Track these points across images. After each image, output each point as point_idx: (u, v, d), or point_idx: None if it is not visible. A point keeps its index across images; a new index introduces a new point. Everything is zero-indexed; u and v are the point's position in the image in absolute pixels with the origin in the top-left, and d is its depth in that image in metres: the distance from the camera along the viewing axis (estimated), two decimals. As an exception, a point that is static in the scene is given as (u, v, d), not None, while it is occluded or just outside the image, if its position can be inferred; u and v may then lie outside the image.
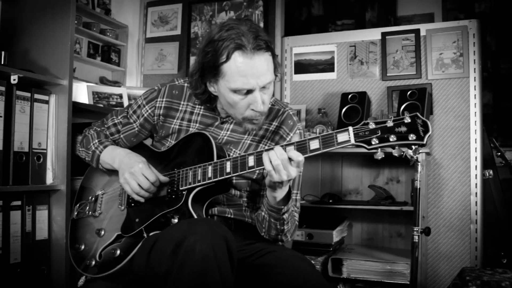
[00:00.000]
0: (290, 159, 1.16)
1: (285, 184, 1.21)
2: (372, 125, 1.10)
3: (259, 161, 1.19)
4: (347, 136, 1.11)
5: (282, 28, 2.98)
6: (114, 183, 1.48)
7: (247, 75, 1.25)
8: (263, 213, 1.33)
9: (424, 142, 1.05)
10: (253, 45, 1.24)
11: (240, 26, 1.26)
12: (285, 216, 1.30)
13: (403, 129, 1.07)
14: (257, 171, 1.37)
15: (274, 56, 1.32)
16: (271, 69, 1.30)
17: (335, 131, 1.13)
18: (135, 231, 1.30)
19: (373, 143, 1.09)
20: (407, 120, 1.07)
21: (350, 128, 1.11)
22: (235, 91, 1.28)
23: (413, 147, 1.08)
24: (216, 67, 1.27)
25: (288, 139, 1.42)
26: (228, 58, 1.24)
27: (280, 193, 1.24)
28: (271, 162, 1.16)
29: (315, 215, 2.67)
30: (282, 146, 1.17)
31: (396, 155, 1.10)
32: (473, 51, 2.52)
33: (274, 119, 1.46)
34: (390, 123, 1.08)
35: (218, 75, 1.28)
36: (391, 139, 1.08)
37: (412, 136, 1.06)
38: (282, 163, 1.15)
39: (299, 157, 1.14)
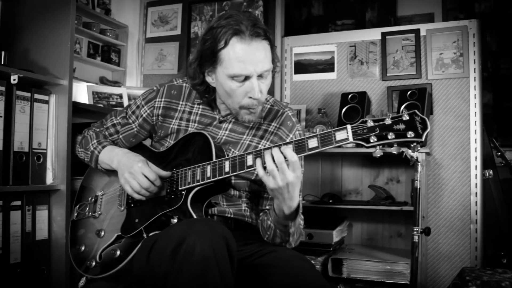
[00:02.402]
0: (285, 158, 1.14)
1: (285, 191, 1.18)
2: (370, 123, 1.09)
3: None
4: (345, 134, 1.11)
5: (282, 28, 2.98)
6: (114, 184, 1.48)
7: (244, 60, 1.25)
8: (269, 222, 1.33)
9: (423, 139, 1.05)
10: (251, 32, 1.25)
11: (239, 15, 1.27)
12: (292, 230, 1.30)
13: (401, 126, 1.07)
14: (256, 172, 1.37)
15: (272, 46, 1.33)
16: (269, 57, 1.30)
17: (333, 129, 1.12)
18: (135, 232, 1.30)
19: (371, 141, 1.09)
20: (406, 117, 1.07)
21: (348, 126, 1.11)
22: (233, 77, 1.27)
23: (412, 144, 1.08)
24: (214, 53, 1.28)
25: (288, 140, 1.42)
26: (226, 44, 1.25)
27: (283, 203, 1.21)
28: (265, 167, 1.16)
29: (315, 215, 2.67)
30: (280, 145, 1.17)
31: (394, 152, 1.10)
32: (473, 51, 2.52)
33: (273, 120, 1.45)
34: (388, 121, 1.08)
35: (216, 62, 1.29)
36: (389, 137, 1.07)
37: (410, 134, 1.06)
38: (280, 167, 1.14)
39: (293, 157, 1.13)
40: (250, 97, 1.30)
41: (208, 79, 1.36)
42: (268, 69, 1.30)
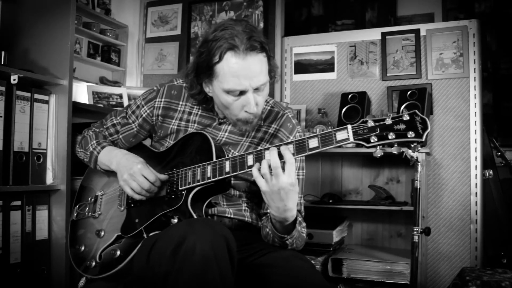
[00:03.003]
0: (280, 158, 1.14)
1: (277, 197, 1.16)
2: (370, 123, 1.09)
3: (258, 160, 1.19)
4: (345, 134, 1.10)
5: (282, 28, 2.97)
6: (114, 184, 1.48)
7: (239, 75, 1.24)
8: (267, 229, 1.33)
9: (423, 140, 1.05)
10: (246, 46, 1.23)
11: (235, 27, 1.25)
12: (289, 242, 1.29)
13: (402, 126, 1.07)
14: None
15: (269, 57, 1.31)
16: (264, 71, 1.29)
17: (334, 129, 1.12)
18: (135, 232, 1.30)
19: (372, 141, 1.09)
20: (406, 117, 1.07)
21: (349, 126, 1.11)
22: (228, 92, 1.27)
23: (412, 144, 1.08)
24: (210, 67, 1.27)
25: None
26: (221, 58, 1.24)
27: (277, 213, 1.20)
28: (259, 169, 1.15)
29: (315, 215, 2.66)
30: (281, 144, 1.17)
31: (395, 152, 1.10)
32: (473, 51, 2.52)
33: (273, 122, 1.45)
34: (388, 121, 1.08)
35: (212, 76, 1.28)
36: (390, 137, 1.07)
37: (411, 134, 1.06)
38: (274, 172, 1.13)
39: (290, 159, 1.13)
40: (246, 111, 1.30)
41: (206, 89, 1.36)
42: (264, 83, 1.29)
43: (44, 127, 2.01)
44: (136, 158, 1.39)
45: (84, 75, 3.01)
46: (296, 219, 1.26)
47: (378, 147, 1.10)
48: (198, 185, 1.28)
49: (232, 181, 1.39)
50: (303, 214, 1.43)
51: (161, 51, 3.27)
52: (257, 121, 1.37)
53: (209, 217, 1.37)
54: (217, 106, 1.41)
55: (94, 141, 1.50)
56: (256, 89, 1.28)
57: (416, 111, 1.07)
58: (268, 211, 1.34)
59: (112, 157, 1.43)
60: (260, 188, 1.17)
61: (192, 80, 1.36)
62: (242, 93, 1.27)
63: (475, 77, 2.51)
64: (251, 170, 1.21)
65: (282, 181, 1.13)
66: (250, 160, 1.21)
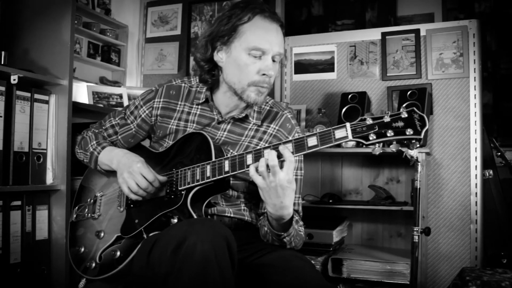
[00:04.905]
0: (279, 157, 1.14)
1: (273, 194, 1.17)
2: (369, 121, 1.10)
3: (257, 159, 1.19)
4: (344, 132, 1.11)
5: (282, 28, 2.97)
6: (113, 184, 1.48)
7: (265, 36, 1.32)
8: (265, 228, 1.33)
9: (421, 136, 1.05)
10: (272, 16, 1.34)
11: (257, 1, 1.37)
12: (286, 240, 1.30)
13: (400, 124, 1.07)
14: None
15: (283, 37, 1.40)
16: (283, 44, 1.38)
17: (333, 127, 1.12)
18: (135, 232, 1.30)
19: (370, 138, 1.09)
20: (404, 115, 1.07)
21: (348, 124, 1.11)
22: (252, 50, 1.31)
23: (411, 142, 1.08)
24: (235, 27, 1.33)
25: None
26: (249, 19, 1.32)
27: (273, 209, 1.20)
28: (257, 169, 1.16)
29: (315, 215, 2.66)
30: (280, 143, 1.17)
31: (394, 150, 1.10)
32: (473, 51, 2.52)
33: (272, 122, 1.45)
34: (387, 119, 1.08)
35: (234, 37, 1.33)
36: (388, 134, 1.08)
37: (409, 131, 1.06)
38: (272, 170, 1.13)
39: (290, 157, 1.13)
40: (264, 74, 1.33)
41: (217, 57, 1.38)
42: (282, 54, 1.37)
43: (44, 127, 2.01)
44: (137, 157, 1.39)
45: (84, 75, 3.01)
46: (292, 217, 1.26)
47: (377, 144, 1.10)
48: (198, 185, 1.27)
49: (231, 182, 1.39)
50: (301, 214, 1.43)
51: (161, 51, 3.27)
52: (266, 95, 1.39)
53: (209, 216, 1.37)
54: (223, 77, 1.40)
55: (94, 142, 1.50)
56: (272, 60, 1.35)
57: (414, 108, 1.07)
58: (265, 210, 1.34)
59: (113, 156, 1.43)
60: (257, 185, 1.17)
61: (207, 41, 1.39)
62: (262, 55, 1.33)
63: (475, 77, 2.51)
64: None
65: (279, 178, 1.14)
66: (249, 159, 1.20)
